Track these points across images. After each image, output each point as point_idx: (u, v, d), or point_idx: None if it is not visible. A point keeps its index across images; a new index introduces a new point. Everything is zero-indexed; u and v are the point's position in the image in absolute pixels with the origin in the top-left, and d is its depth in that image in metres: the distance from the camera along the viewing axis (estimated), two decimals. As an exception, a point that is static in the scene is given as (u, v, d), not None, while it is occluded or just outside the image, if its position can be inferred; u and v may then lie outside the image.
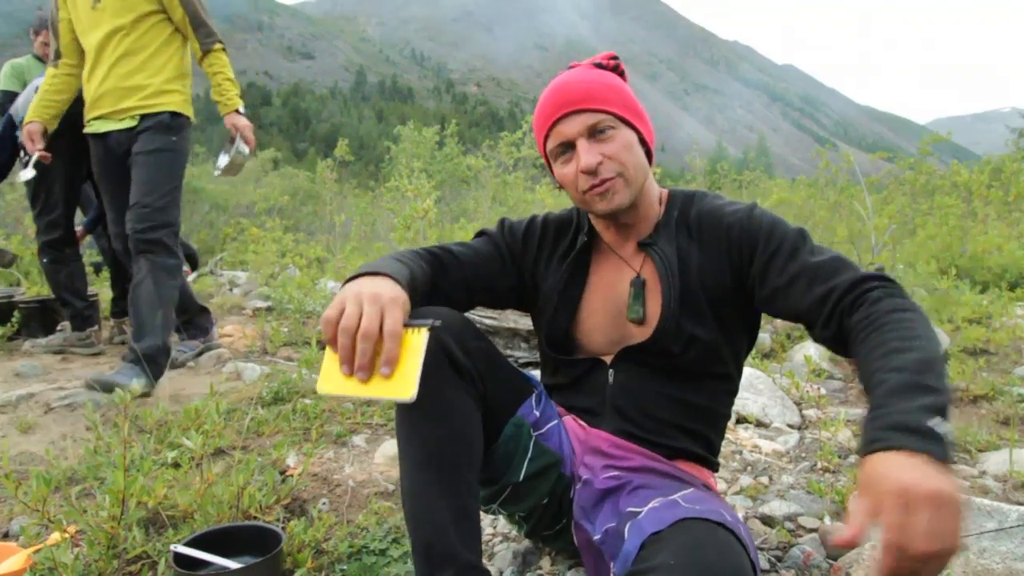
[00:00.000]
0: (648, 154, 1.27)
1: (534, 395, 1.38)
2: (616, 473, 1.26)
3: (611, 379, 1.31)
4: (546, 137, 1.25)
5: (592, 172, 1.19)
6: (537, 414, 1.35)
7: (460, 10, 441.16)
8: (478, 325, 3.34)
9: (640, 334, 1.28)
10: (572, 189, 1.24)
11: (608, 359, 1.32)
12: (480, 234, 1.44)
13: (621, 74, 1.30)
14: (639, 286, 1.27)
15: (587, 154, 1.18)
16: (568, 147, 1.22)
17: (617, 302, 1.31)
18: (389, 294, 1.01)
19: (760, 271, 1.18)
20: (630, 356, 1.28)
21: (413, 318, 1.06)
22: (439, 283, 1.30)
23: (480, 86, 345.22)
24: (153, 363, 2.91)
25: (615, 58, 1.30)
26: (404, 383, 0.95)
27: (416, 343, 0.98)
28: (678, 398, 1.29)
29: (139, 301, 2.98)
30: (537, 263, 1.39)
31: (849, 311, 1.03)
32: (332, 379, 0.99)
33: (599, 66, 1.28)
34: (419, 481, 1.18)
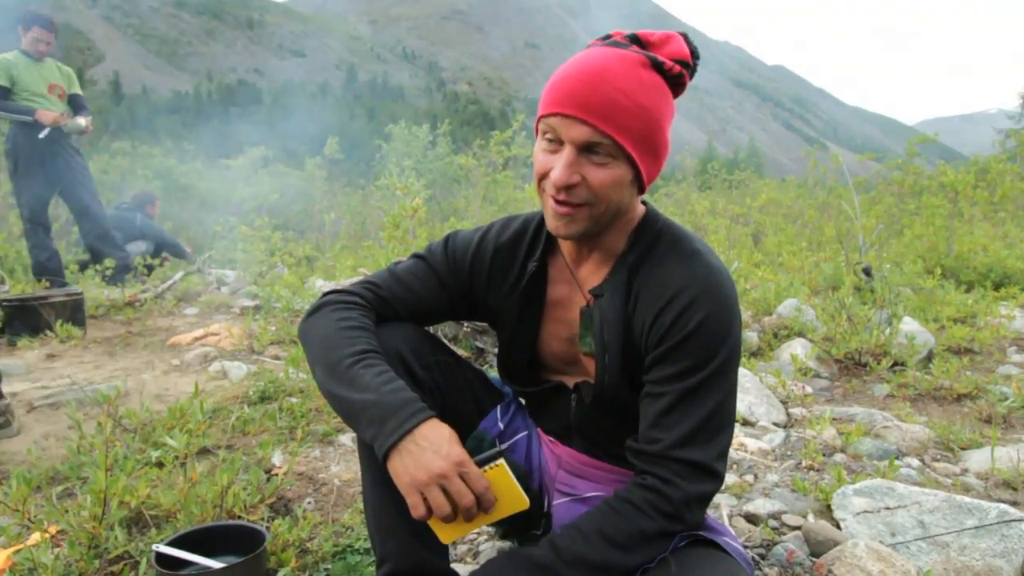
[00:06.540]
0: (640, 188, 1.13)
1: (500, 406, 1.37)
2: (598, 493, 1.28)
3: (574, 404, 1.28)
4: (545, 115, 1.07)
5: (562, 188, 1.05)
6: (502, 426, 1.35)
7: (451, 8, 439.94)
8: (467, 327, 3.34)
9: (591, 367, 1.21)
10: (538, 176, 1.10)
11: (570, 383, 1.28)
12: (419, 257, 1.31)
13: (679, 84, 1.10)
14: (588, 318, 1.19)
15: (565, 169, 1.04)
16: (558, 141, 1.07)
17: (571, 327, 1.24)
18: (452, 459, 0.98)
19: (650, 362, 1.11)
20: (588, 387, 1.24)
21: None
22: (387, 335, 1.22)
23: (471, 84, 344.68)
24: None
25: (687, 66, 1.08)
26: (514, 499, 1.04)
27: (501, 473, 1.03)
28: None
29: None
30: (488, 292, 1.29)
31: (637, 467, 1.09)
32: (448, 528, 1.03)
33: (656, 65, 1.06)
34: (379, 497, 1.20)
